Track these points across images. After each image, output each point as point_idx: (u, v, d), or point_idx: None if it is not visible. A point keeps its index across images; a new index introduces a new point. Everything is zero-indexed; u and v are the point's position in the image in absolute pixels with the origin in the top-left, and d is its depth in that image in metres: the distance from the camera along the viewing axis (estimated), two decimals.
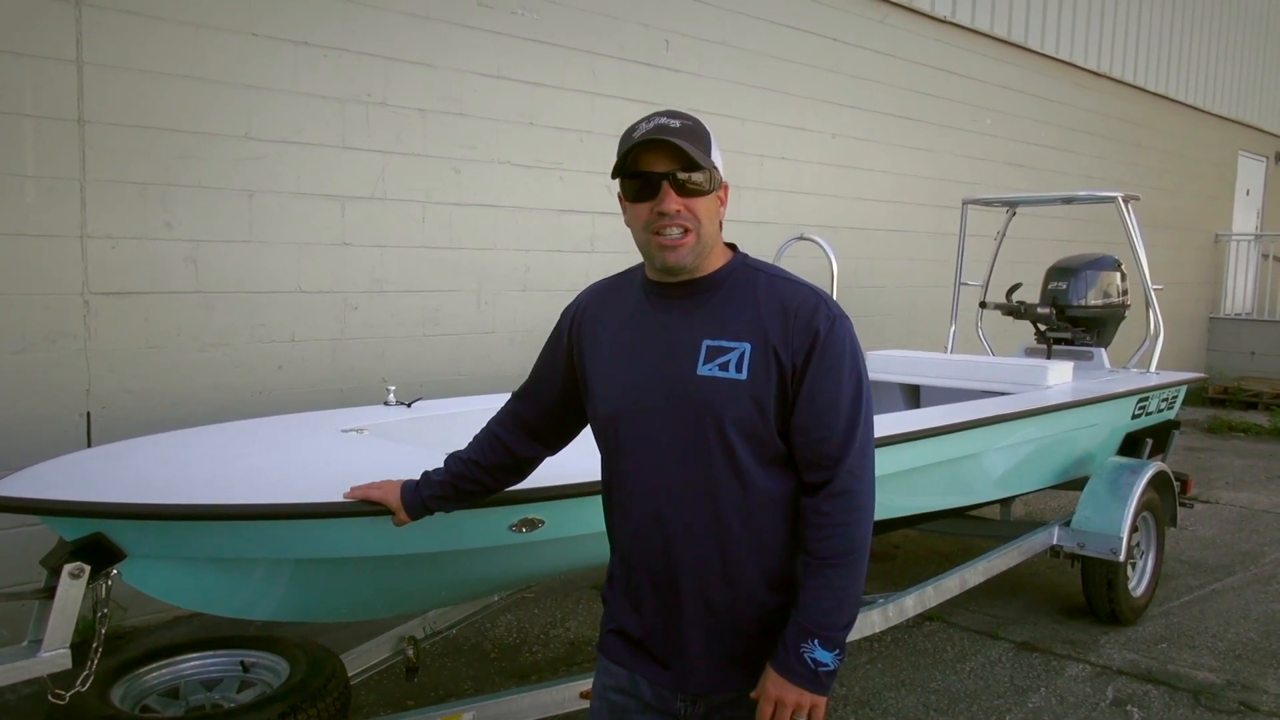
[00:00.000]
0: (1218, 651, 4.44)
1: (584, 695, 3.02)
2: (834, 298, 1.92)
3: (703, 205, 1.76)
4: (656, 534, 1.84)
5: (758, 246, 7.60)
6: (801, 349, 1.75)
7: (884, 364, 5.37)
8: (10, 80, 3.90)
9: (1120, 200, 5.77)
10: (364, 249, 4.99)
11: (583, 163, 5.87)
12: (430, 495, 2.16)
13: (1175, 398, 5.64)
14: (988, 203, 6.57)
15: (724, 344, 1.77)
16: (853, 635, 3.65)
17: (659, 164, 1.74)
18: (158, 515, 2.24)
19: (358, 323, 5.00)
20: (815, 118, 7.41)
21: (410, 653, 3.28)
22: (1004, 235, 6.62)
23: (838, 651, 1.76)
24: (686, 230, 1.76)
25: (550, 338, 2.07)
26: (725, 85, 6.70)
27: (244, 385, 4.61)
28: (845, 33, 7.59)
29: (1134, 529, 4.61)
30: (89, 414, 4.18)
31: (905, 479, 3.76)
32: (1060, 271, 5.93)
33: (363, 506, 2.26)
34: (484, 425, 2.19)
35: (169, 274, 4.37)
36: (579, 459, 2.88)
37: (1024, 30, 9.50)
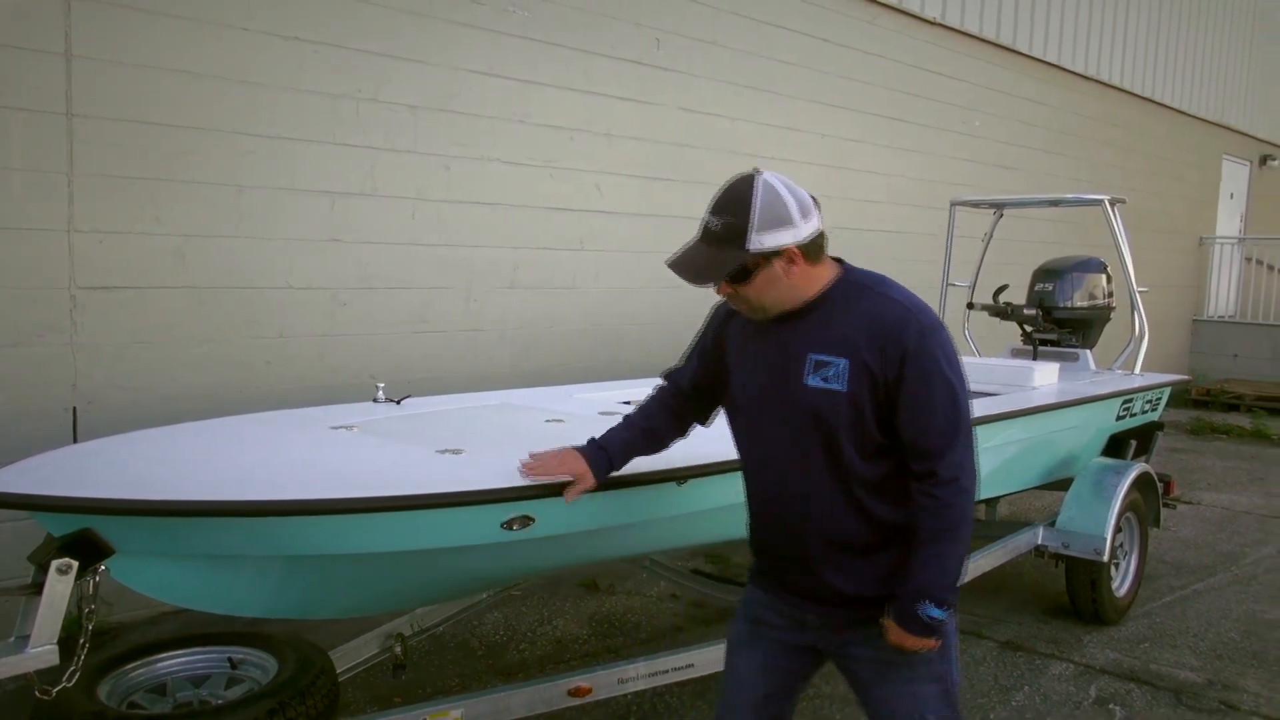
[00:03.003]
0: (1199, 651, 4.49)
1: (572, 693, 3.03)
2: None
3: (751, 289, 2.11)
4: (780, 513, 2.24)
5: None
6: (893, 363, 2.05)
7: None
8: None
9: (1106, 203, 5.80)
10: (354, 245, 4.98)
11: (574, 161, 5.87)
12: (617, 453, 2.49)
13: (1159, 399, 5.68)
14: (975, 204, 6.60)
15: (826, 358, 2.10)
16: None
17: None
18: (146, 511, 2.23)
19: (347, 319, 4.99)
20: (806, 118, 7.43)
21: (398, 650, 3.29)
22: (991, 236, 6.66)
23: (947, 607, 2.11)
24: (743, 306, 2.17)
25: (703, 327, 2.45)
26: (716, 84, 6.71)
27: (232, 381, 4.59)
28: (835, 33, 7.61)
29: (1118, 529, 4.64)
30: (75, 409, 4.16)
31: None
32: (1047, 273, 5.96)
33: (352, 503, 2.27)
34: (649, 396, 2.57)
35: (157, 269, 4.35)
36: None
37: (1013, 33, 9.55)
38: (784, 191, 2.08)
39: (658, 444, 2.56)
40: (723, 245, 2.08)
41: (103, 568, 2.36)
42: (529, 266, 5.74)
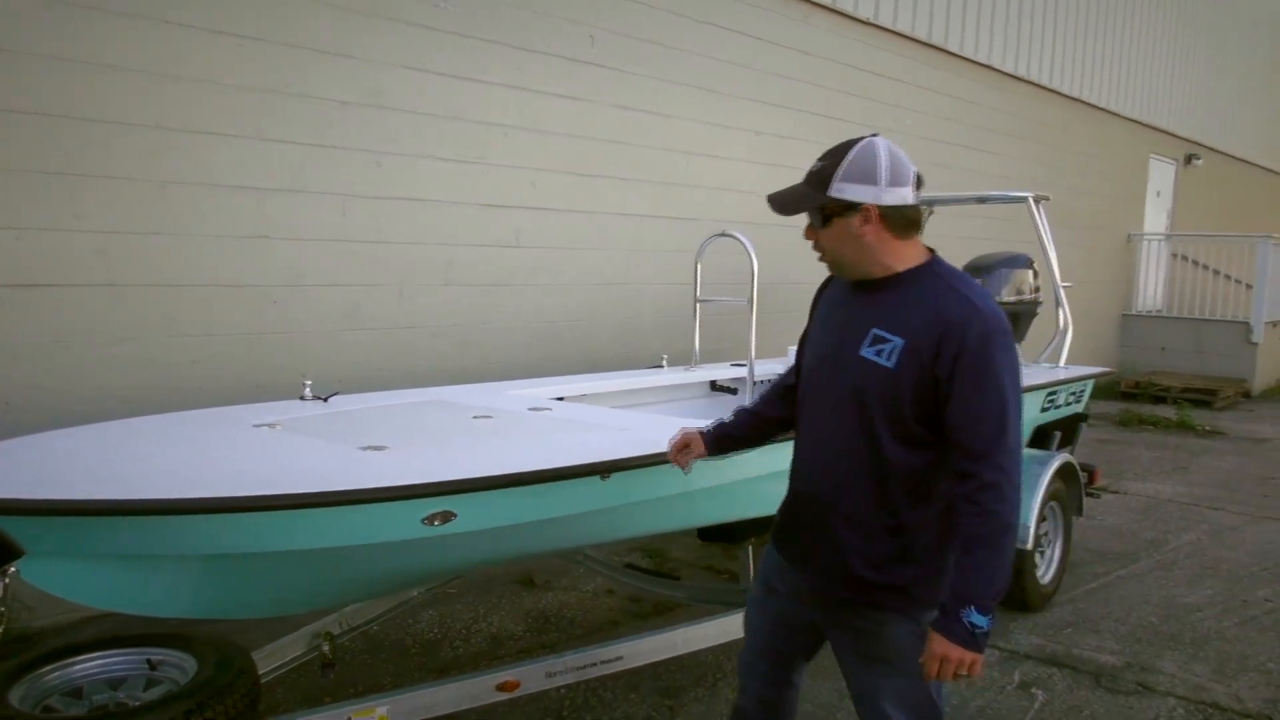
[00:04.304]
0: (1119, 635, 4.62)
1: (500, 687, 3.04)
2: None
3: (827, 235, 2.23)
4: (809, 474, 2.35)
5: (685, 243, 7.47)
6: (948, 358, 2.08)
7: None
8: None
9: (1031, 200, 5.94)
10: (283, 242, 4.92)
11: (507, 158, 5.85)
12: (724, 435, 2.69)
13: (1083, 391, 5.83)
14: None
15: (885, 334, 2.15)
16: None
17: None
18: (55, 511, 2.19)
19: (276, 317, 4.92)
20: (740, 115, 7.49)
21: (325, 648, 3.26)
22: (921, 233, 6.76)
23: (990, 616, 2.10)
24: (822, 254, 2.28)
25: (810, 312, 2.53)
26: (651, 82, 6.73)
27: (158, 381, 4.51)
28: (768, 31, 7.69)
29: (1041, 518, 4.76)
30: None
31: None
32: (975, 269, 6.08)
33: (267, 500, 2.25)
34: (770, 386, 2.72)
35: (78, 266, 4.26)
36: (489, 453, 2.90)
37: (944, 33, 9.71)
38: (882, 154, 2.16)
39: (765, 423, 2.68)
40: (811, 186, 2.22)
41: (12, 569, 2.31)
42: (463, 263, 5.72)
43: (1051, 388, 5.35)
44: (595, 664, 3.19)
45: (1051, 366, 5.79)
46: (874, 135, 2.22)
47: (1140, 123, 13.95)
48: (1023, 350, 6.00)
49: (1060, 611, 4.90)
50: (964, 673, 2.12)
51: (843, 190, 2.17)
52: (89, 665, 2.70)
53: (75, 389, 4.27)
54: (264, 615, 2.97)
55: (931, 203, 6.66)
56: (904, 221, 2.19)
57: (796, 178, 2.36)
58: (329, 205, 5.08)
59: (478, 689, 2.98)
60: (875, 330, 2.17)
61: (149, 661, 2.73)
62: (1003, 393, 2.08)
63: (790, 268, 8.06)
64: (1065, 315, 5.90)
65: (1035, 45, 11.28)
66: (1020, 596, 4.77)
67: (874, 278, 2.22)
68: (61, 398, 4.22)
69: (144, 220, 4.43)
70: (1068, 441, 5.62)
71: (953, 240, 8.63)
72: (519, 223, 5.97)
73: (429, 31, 5.41)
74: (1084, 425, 5.83)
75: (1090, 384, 5.92)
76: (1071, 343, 5.90)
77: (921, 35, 9.38)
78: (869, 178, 2.15)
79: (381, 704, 2.79)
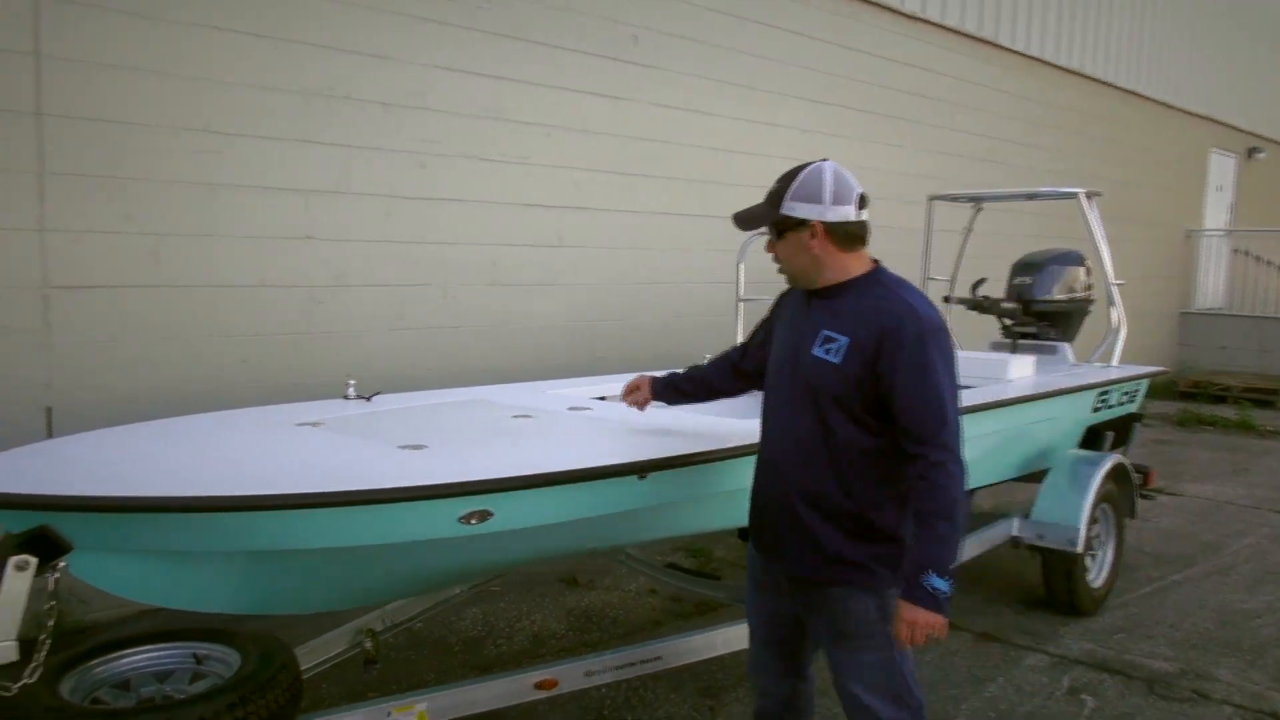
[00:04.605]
0: (1174, 641, 4.50)
1: (539, 686, 3.05)
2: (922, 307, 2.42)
3: (782, 248, 2.53)
4: (775, 466, 2.57)
5: (726, 241, 7.46)
6: (887, 355, 2.34)
7: None
8: None
9: (1082, 196, 5.81)
10: (328, 243, 4.98)
11: (550, 157, 5.87)
12: (679, 380, 3.07)
13: (1137, 391, 5.69)
14: (954, 198, 6.61)
15: (833, 335, 2.43)
16: None
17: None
18: (101, 508, 2.24)
19: (322, 317, 4.99)
20: (784, 113, 7.44)
21: (368, 645, 3.29)
22: (970, 230, 6.67)
23: (949, 579, 2.34)
24: (779, 264, 2.56)
25: (769, 310, 2.84)
26: (693, 80, 6.71)
27: (206, 379, 4.59)
28: (814, 28, 7.62)
29: (1092, 521, 4.65)
30: (49, 408, 4.16)
31: None
32: (1026, 266, 5.97)
33: (306, 499, 2.27)
34: (721, 353, 3.05)
35: (129, 267, 4.36)
36: (528, 453, 2.90)
37: (995, 27, 9.56)
38: (828, 177, 2.45)
39: (710, 390, 3.04)
40: (767, 204, 2.50)
41: (62, 564, 2.36)
42: (506, 263, 5.75)
43: (1103, 387, 5.23)
44: (634, 664, 3.18)
45: (1104, 366, 5.66)
46: (824, 160, 2.50)
47: (1200, 115, 13.60)
48: (1074, 349, 5.91)
49: (1112, 616, 4.79)
50: (933, 635, 2.35)
51: (793, 209, 2.45)
52: (137, 658, 2.75)
53: (130, 388, 4.37)
54: (306, 611, 3.00)
55: (980, 199, 6.56)
56: (847, 236, 2.45)
57: None
58: (373, 206, 5.14)
59: (516, 687, 2.99)
60: (824, 332, 2.44)
61: (195, 656, 2.77)
62: (939, 384, 2.34)
63: None
64: (1118, 313, 5.76)
65: (1089, 38, 11.06)
66: (1070, 600, 4.69)
67: (823, 286, 2.49)
68: (117, 396, 4.32)
69: (193, 222, 4.52)
70: (1121, 442, 5.49)
71: (1009, 237, 8.50)
72: (561, 222, 5.98)
73: (470, 32, 5.45)
74: (1138, 425, 5.70)
75: (1145, 383, 5.78)
76: (1126, 341, 5.75)
77: (971, 29, 9.24)
78: (814, 197, 2.43)
79: (421, 700, 2.81)
